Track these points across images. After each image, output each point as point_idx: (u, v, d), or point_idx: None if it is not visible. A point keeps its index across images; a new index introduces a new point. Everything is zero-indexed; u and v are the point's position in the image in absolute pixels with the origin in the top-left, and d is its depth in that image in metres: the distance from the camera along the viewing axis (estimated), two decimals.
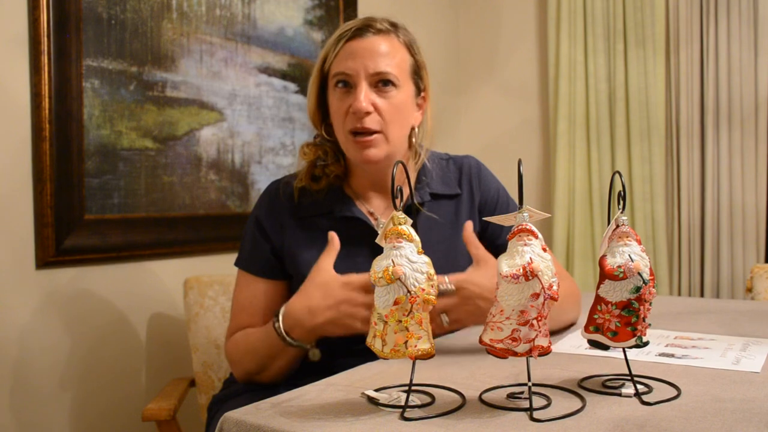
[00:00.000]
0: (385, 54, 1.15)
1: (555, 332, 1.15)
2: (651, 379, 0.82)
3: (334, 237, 1.06)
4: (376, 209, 1.23)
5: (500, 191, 1.31)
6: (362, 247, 1.16)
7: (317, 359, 1.14)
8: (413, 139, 1.25)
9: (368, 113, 1.13)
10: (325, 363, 1.15)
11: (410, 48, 1.20)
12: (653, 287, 0.75)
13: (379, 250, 0.75)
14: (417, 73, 1.22)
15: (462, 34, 3.17)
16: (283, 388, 0.96)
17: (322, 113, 1.23)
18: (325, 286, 1.02)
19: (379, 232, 0.75)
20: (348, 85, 1.15)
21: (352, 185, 1.25)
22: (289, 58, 2.15)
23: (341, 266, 1.16)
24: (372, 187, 1.24)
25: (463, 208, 1.26)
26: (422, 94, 1.24)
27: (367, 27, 1.16)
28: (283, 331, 1.05)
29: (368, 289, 1.00)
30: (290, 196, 1.23)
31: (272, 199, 1.24)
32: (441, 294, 1.00)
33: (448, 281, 1.01)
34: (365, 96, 1.12)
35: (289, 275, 1.21)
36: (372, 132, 1.14)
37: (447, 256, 1.21)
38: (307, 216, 1.21)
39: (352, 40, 1.15)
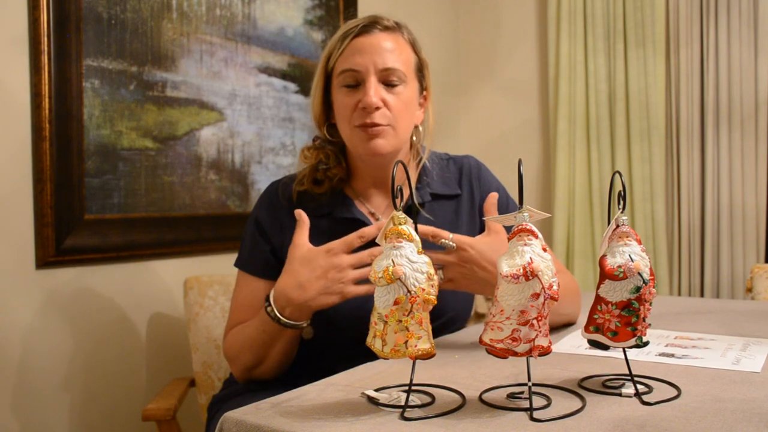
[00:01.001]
0: (393, 50, 1.15)
1: (554, 328, 1.15)
2: (651, 379, 0.82)
3: (301, 213, 1.08)
4: (377, 208, 1.23)
5: (500, 191, 1.31)
6: (362, 247, 1.16)
7: (310, 337, 1.14)
8: (414, 138, 1.25)
9: (378, 108, 1.13)
10: (325, 363, 1.15)
11: (414, 46, 1.21)
12: (653, 287, 0.76)
13: None
14: (420, 71, 1.22)
15: (462, 34, 3.17)
16: (283, 388, 0.96)
17: (325, 113, 1.23)
18: (308, 259, 1.02)
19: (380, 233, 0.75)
20: (356, 81, 1.15)
21: (354, 185, 1.25)
22: (289, 58, 2.15)
23: None
24: (374, 185, 1.24)
25: (463, 208, 1.26)
26: (424, 92, 1.24)
27: (373, 24, 1.16)
28: (276, 312, 1.05)
29: (350, 249, 1.01)
30: (290, 197, 1.22)
31: (272, 199, 1.24)
32: (441, 247, 1.02)
33: (451, 237, 1.02)
34: (375, 91, 1.12)
35: None
36: (380, 126, 1.14)
37: None
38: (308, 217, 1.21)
39: (359, 37, 1.15)
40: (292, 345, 1.12)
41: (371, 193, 1.24)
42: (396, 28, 1.19)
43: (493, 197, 1.10)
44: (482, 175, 1.30)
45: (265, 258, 1.20)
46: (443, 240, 1.02)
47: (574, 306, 1.20)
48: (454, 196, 1.26)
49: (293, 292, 1.03)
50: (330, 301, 1.02)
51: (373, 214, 1.22)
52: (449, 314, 1.21)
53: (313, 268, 1.01)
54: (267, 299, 1.08)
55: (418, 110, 1.23)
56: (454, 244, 1.02)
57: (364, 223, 1.19)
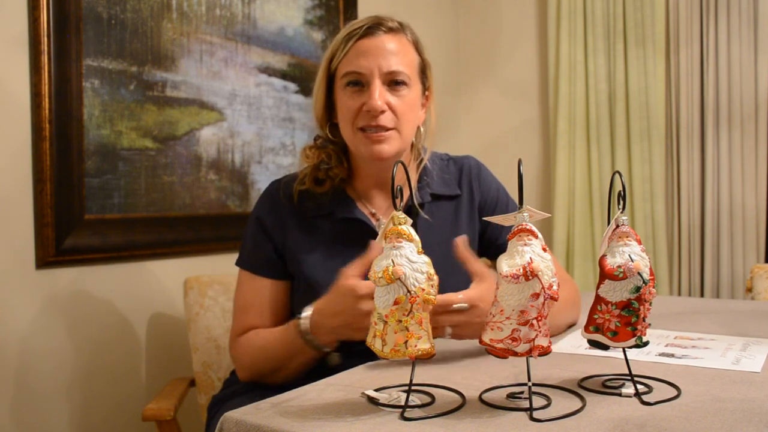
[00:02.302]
0: (397, 52, 1.14)
1: (554, 334, 1.15)
2: (651, 379, 0.82)
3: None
4: (378, 209, 1.23)
5: (500, 191, 1.31)
6: (363, 248, 1.16)
7: (336, 363, 1.11)
8: (415, 138, 1.25)
9: (382, 112, 1.13)
10: (325, 363, 1.15)
11: (417, 47, 1.21)
12: (653, 287, 0.76)
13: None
14: (423, 72, 1.22)
15: (462, 34, 3.17)
16: (283, 389, 0.96)
17: (327, 113, 1.23)
18: (336, 292, 0.98)
19: (380, 232, 0.75)
20: (359, 83, 1.14)
21: (355, 186, 1.25)
22: (289, 58, 2.15)
23: (341, 268, 1.16)
24: (375, 186, 1.24)
25: (463, 208, 1.26)
26: (426, 93, 1.24)
27: (377, 25, 1.15)
28: (308, 329, 1.03)
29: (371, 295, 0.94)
30: (291, 196, 1.22)
31: (273, 199, 1.24)
32: (455, 310, 0.96)
33: (461, 298, 0.96)
34: (380, 95, 1.12)
35: (291, 275, 1.21)
36: (386, 129, 1.13)
37: (446, 256, 1.21)
38: (308, 217, 1.21)
39: (362, 39, 1.14)
40: (313, 361, 1.09)
41: (373, 194, 1.24)
42: (399, 29, 1.18)
43: (461, 242, 1.01)
44: (482, 176, 1.30)
45: (268, 256, 1.20)
46: (455, 305, 0.96)
47: (573, 313, 1.20)
48: (454, 197, 1.26)
49: (321, 317, 1.01)
50: (355, 336, 0.98)
51: (374, 215, 1.22)
52: None
53: (337, 302, 0.98)
54: (299, 314, 1.05)
55: (420, 111, 1.23)
56: (467, 305, 0.96)
57: (365, 224, 1.19)
